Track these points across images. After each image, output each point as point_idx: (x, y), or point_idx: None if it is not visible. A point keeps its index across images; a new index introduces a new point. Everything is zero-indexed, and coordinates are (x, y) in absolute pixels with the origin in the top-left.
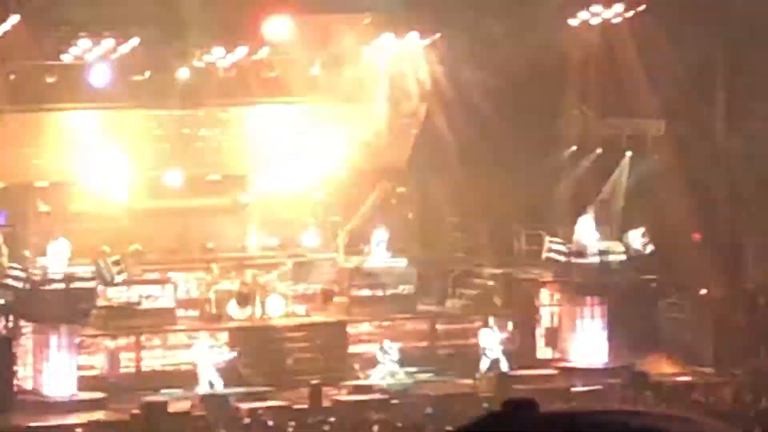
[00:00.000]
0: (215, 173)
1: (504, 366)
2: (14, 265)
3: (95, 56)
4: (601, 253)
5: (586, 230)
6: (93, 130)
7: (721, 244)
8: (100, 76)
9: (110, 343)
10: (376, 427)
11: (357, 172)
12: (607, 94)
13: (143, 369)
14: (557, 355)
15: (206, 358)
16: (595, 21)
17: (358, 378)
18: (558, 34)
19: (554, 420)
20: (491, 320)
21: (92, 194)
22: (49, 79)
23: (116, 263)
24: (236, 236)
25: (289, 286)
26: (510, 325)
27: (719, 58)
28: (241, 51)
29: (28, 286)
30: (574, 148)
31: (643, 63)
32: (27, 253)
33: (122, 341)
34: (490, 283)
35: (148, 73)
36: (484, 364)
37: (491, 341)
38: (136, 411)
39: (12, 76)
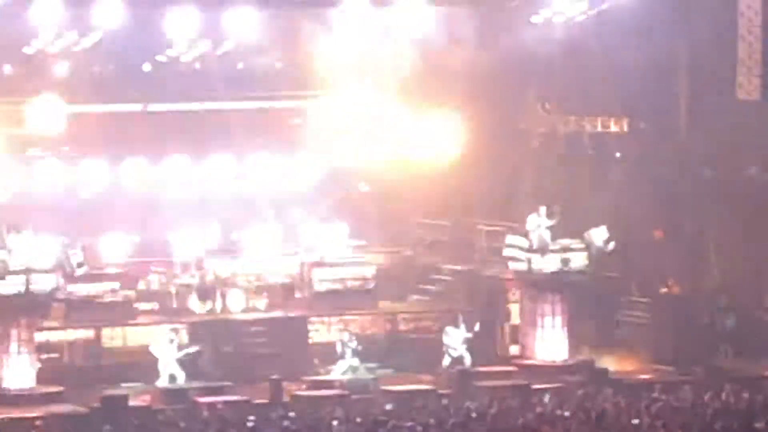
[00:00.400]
0: None
1: (467, 362)
2: None
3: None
4: (562, 250)
5: (547, 227)
6: None
7: (683, 242)
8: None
9: (70, 337)
10: (335, 422)
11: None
12: (570, 91)
13: (103, 362)
14: (518, 352)
15: (167, 352)
16: (558, 19)
17: (318, 373)
18: (522, 31)
19: None
20: (457, 317)
21: None
22: None
23: (77, 256)
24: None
25: (250, 280)
26: (477, 326)
27: (682, 57)
28: None
29: None
30: (537, 144)
31: (606, 61)
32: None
33: (82, 334)
34: (452, 279)
35: None
36: (446, 361)
37: (455, 339)
38: (96, 404)
39: None
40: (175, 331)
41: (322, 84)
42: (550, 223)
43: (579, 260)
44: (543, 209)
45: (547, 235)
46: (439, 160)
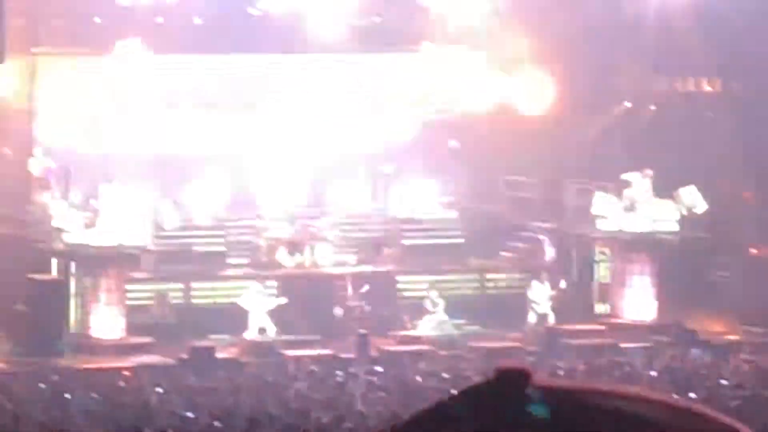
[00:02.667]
0: None
1: (552, 320)
2: (69, 206)
3: None
4: (652, 209)
5: (638, 187)
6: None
7: None
8: None
9: (160, 288)
10: (419, 378)
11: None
12: (661, 51)
13: (192, 314)
14: (606, 311)
15: (255, 305)
16: None
17: (406, 328)
18: None
19: (548, 395)
20: (542, 275)
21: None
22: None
23: (167, 208)
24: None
25: (340, 234)
26: (563, 283)
27: None
28: None
29: (79, 229)
30: (628, 104)
31: (699, 19)
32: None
33: (172, 286)
34: (541, 237)
35: None
36: (532, 318)
37: (540, 295)
38: (183, 355)
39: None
40: (264, 284)
41: (415, 39)
42: (642, 182)
43: (669, 220)
44: (648, 171)
45: (637, 194)
46: (529, 117)
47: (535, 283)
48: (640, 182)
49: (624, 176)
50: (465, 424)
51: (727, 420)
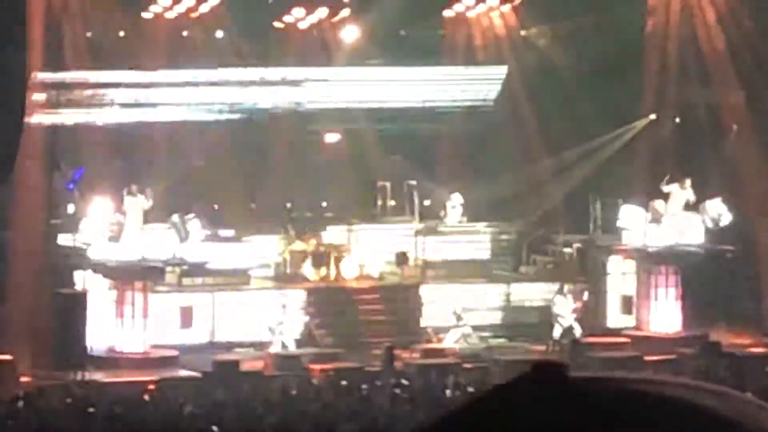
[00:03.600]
0: None
1: (577, 333)
2: (91, 220)
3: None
4: (677, 222)
5: (676, 198)
6: None
7: None
8: None
9: (184, 301)
10: (448, 391)
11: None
12: (686, 64)
13: (216, 327)
14: (631, 324)
15: (280, 318)
16: None
17: (431, 341)
18: (639, 4)
19: (585, 386)
20: (566, 288)
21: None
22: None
23: (192, 220)
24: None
25: (365, 247)
26: (586, 295)
27: None
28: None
29: (104, 242)
30: (653, 116)
31: (724, 33)
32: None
33: (196, 299)
34: (566, 250)
35: None
36: (556, 331)
37: (565, 308)
38: (208, 369)
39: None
40: (289, 297)
41: (437, 52)
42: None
43: (695, 233)
44: (687, 181)
45: (662, 207)
46: (554, 130)
47: (559, 297)
48: (678, 193)
49: (663, 187)
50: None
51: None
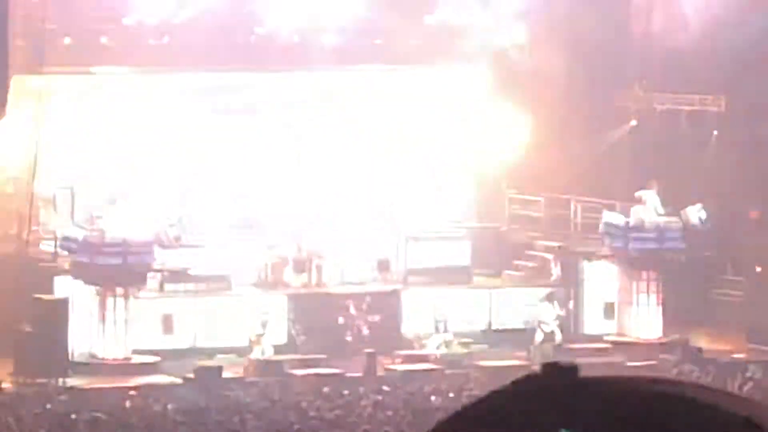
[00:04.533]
0: None
1: (557, 339)
2: (73, 226)
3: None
4: (658, 227)
5: (644, 204)
6: None
7: None
8: None
9: (165, 307)
10: (433, 397)
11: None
12: (667, 69)
13: (197, 333)
14: (613, 329)
15: (261, 324)
16: None
17: (412, 347)
18: (619, 8)
19: (595, 385)
20: (549, 293)
21: None
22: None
23: (174, 227)
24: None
25: (346, 253)
26: (571, 303)
27: None
28: None
29: (86, 248)
30: (634, 122)
31: (705, 38)
32: (101, 222)
33: (177, 305)
34: (547, 255)
35: None
36: (538, 337)
37: (549, 315)
38: (190, 375)
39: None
40: (270, 303)
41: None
42: (650, 201)
43: (675, 238)
44: (645, 189)
45: (643, 213)
46: (536, 135)
47: (545, 303)
48: (652, 199)
49: (637, 194)
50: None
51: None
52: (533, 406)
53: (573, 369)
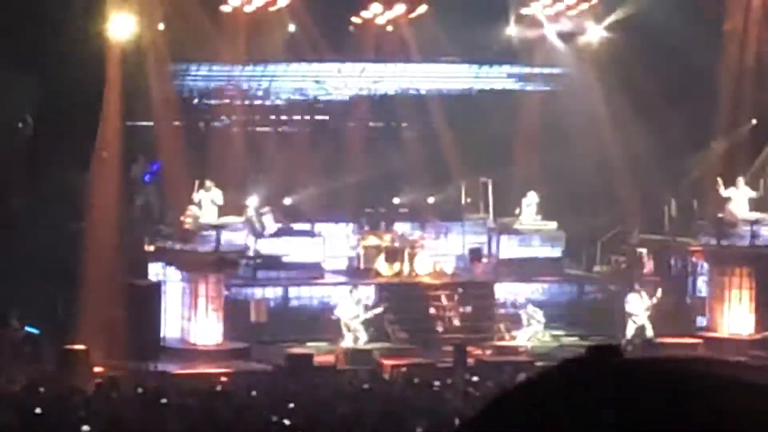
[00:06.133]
0: None
1: (648, 333)
2: (166, 213)
3: None
4: (752, 223)
5: (738, 200)
6: None
7: None
8: None
9: (257, 294)
10: None
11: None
12: (764, 67)
13: (289, 321)
14: (704, 324)
15: (352, 313)
16: None
17: (503, 338)
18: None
19: (638, 367)
20: (637, 285)
21: None
22: None
23: (267, 214)
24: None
25: (438, 244)
26: (659, 292)
27: None
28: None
29: (179, 234)
30: (754, 122)
31: None
32: (195, 210)
33: (269, 292)
34: (640, 250)
35: None
36: (629, 330)
37: (638, 307)
38: (280, 362)
39: None
40: (362, 292)
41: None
42: (743, 194)
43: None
44: (740, 180)
45: (737, 208)
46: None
47: (633, 295)
48: (740, 196)
49: (730, 189)
50: (557, 401)
51: None
52: (574, 390)
53: (615, 351)
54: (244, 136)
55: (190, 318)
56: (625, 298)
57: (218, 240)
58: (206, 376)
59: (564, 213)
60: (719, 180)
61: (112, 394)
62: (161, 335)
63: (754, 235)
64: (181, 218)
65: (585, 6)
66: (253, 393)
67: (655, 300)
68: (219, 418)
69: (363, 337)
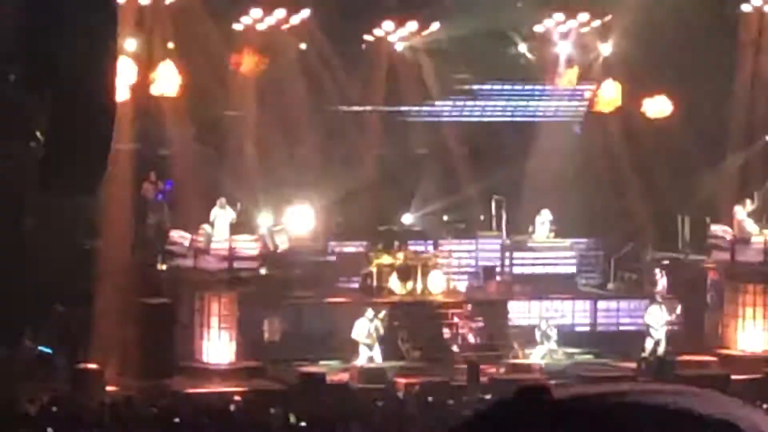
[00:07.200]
0: None
1: (661, 349)
2: (178, 232)
3: None
4: (766, 241)
5: (750, 218)
6: None
7: None
8: None
9: (270, 313)
10: None
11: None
12: None
13: (302, 339)
14: (718, 342)
15: (365, 331)
16: None
17: (516, 356)
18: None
19: (567, 406)
20: (658, 297)
21: None
22: None
23: (279, 233)
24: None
25: (451, 262)
26: (679, 308)
27: None
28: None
29: (191, 253)
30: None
31: None
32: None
33: (282, 311)
34: (652, 267)
35: None
36: (648, 343)
37: (657, 319)
38: (294, 381)
39: None
40: (374, 310)
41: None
42: (752, 210)
43: None
44: (748, 201)
45: (750, 226)
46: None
47: (654, 307)
48: (752, 210)
49: (738, 207)
50: None
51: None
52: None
53: (543, 391)
54: (257, 153)
55: (203, 337)
56: (640, 315)
57: (231, 257)
58: (219, 395)
59: (577, 231)
60: (747, 201)
61: (125, 412)
62: (174, 354)
63: (767, 252)
64: (194, 237)
65: (597, 23)
66: (272, 410)
67: (674, 317)
68: None
69: (377, 355)
